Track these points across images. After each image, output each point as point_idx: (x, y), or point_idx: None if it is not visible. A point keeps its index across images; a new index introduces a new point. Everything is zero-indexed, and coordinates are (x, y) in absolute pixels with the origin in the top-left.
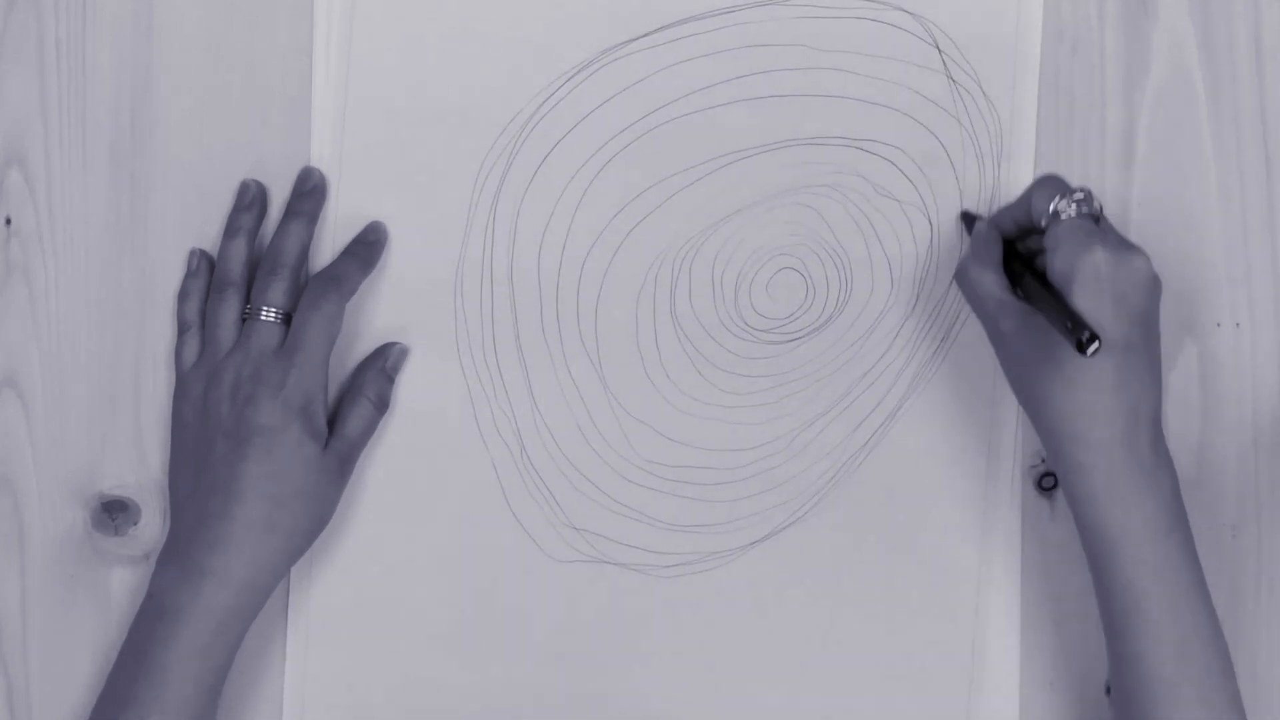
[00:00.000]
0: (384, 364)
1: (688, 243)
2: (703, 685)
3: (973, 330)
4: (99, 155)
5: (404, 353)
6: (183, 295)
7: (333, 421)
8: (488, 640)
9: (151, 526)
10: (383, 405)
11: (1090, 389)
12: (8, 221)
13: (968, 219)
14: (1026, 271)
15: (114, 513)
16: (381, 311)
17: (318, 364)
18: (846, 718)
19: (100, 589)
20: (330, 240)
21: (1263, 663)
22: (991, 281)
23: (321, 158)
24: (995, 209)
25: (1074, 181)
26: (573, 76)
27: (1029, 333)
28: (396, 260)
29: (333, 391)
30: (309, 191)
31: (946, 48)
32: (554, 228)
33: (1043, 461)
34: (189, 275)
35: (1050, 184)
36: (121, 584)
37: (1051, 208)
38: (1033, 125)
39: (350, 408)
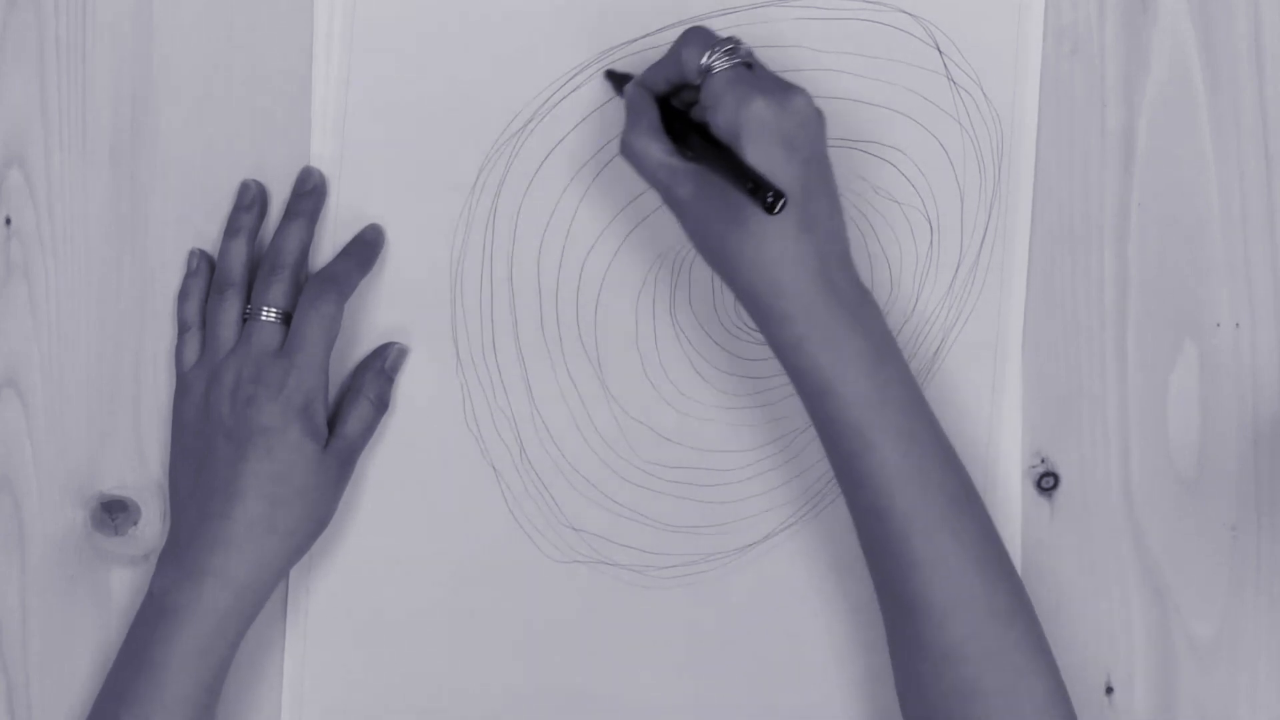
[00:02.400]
0: (383, 364)
1: (688, 244)
2: (701, 686)
3: (972, 331)
4: (99, 155)
5: (403, 352)
6: (183, 295)
7: (333, 422)
8: (486, 640)
9: (151, 526)
10: (382, 405)
11: (777, 238)
12: (8, 221)
13: (615, 78)
14: (691, 132)
15: (114, 513)
16: (381, 311)
17: (318, 364)
18: (846, 718)
19: (100, 589)
20: (330, 240)
21: (1263, 662)
22: (657, 149)
23: (321, 158)
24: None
25: (1073, 181)
26: (573, 77)
27: (707, 193)
28: (396, 260)
29: (333, 391)
30: (309, 191)
31: (947, 49)
32: (554, 228)
33: (1043, 462)
34: (189, 275)
35: (696, 37)
36: (121, 584)
37: (703, 62)
38: (1033, 127)
39: (350, 408)
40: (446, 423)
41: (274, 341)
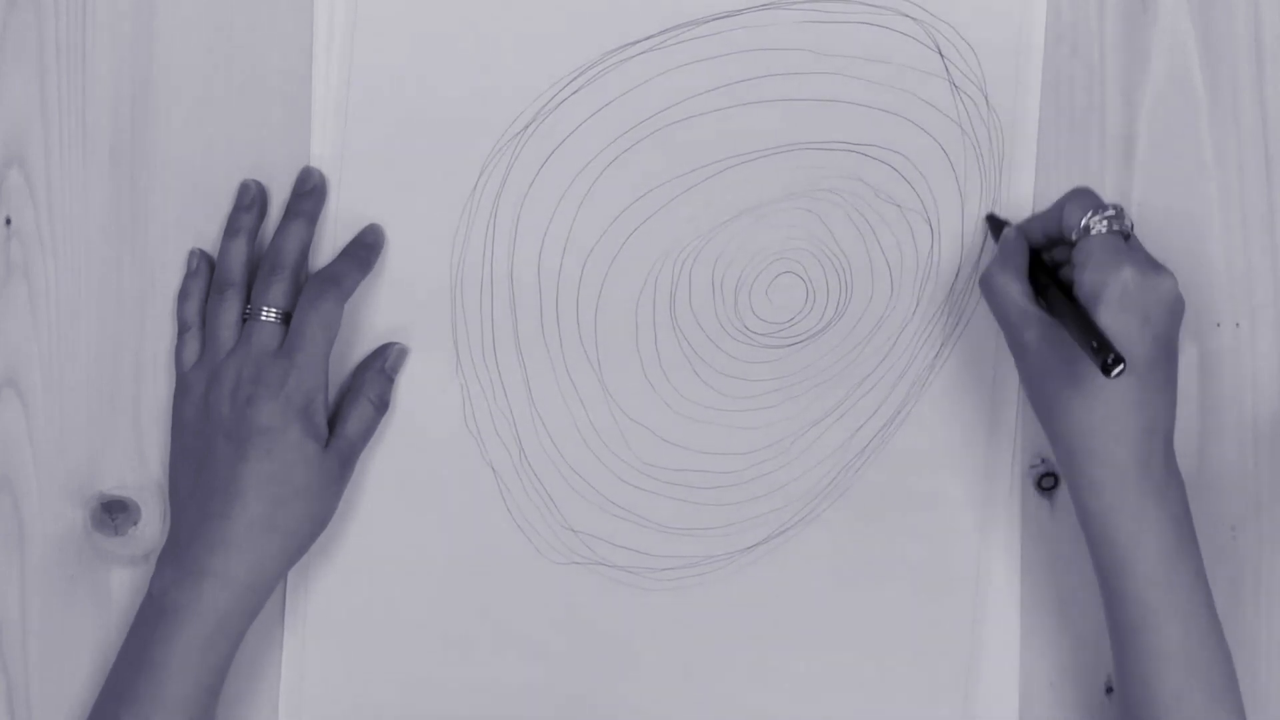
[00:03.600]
0: (383, 364)
1: (688, 246)
2: (699, 688)
3: (972, 334)
4: (99, 155)
5: (403, 353)
6: (183, 295)
7: (332, 422)
8: (484, 641)
9: (151, 526)
10: (383, 405)
11: (1109, 407)
12: (8, 221)
13: (994, 223)
14: (1052, 284)
15: (114, 513)
16: (381, 312)
17: (318, 364)
18: None
19: (100, 589)
20: (330, 240)
21: (1263, 662)
22: (1017, 291)
23: (321, 158)
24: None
25: (1073, 182)
26: (575, 79)
27: (1050, 345)
28: (396, 261)
29: (333, 392)
30: (309, 192)
31: (949, 53)
32: (554, 230)
33: (1043, 462)
34: (189, 275)
35: (1083, 197)
36: (121, 584)
37: (1083, 222)
38: (1034, 130)
39: (350, 408)
40: (446, 423)
41: (274, 341)
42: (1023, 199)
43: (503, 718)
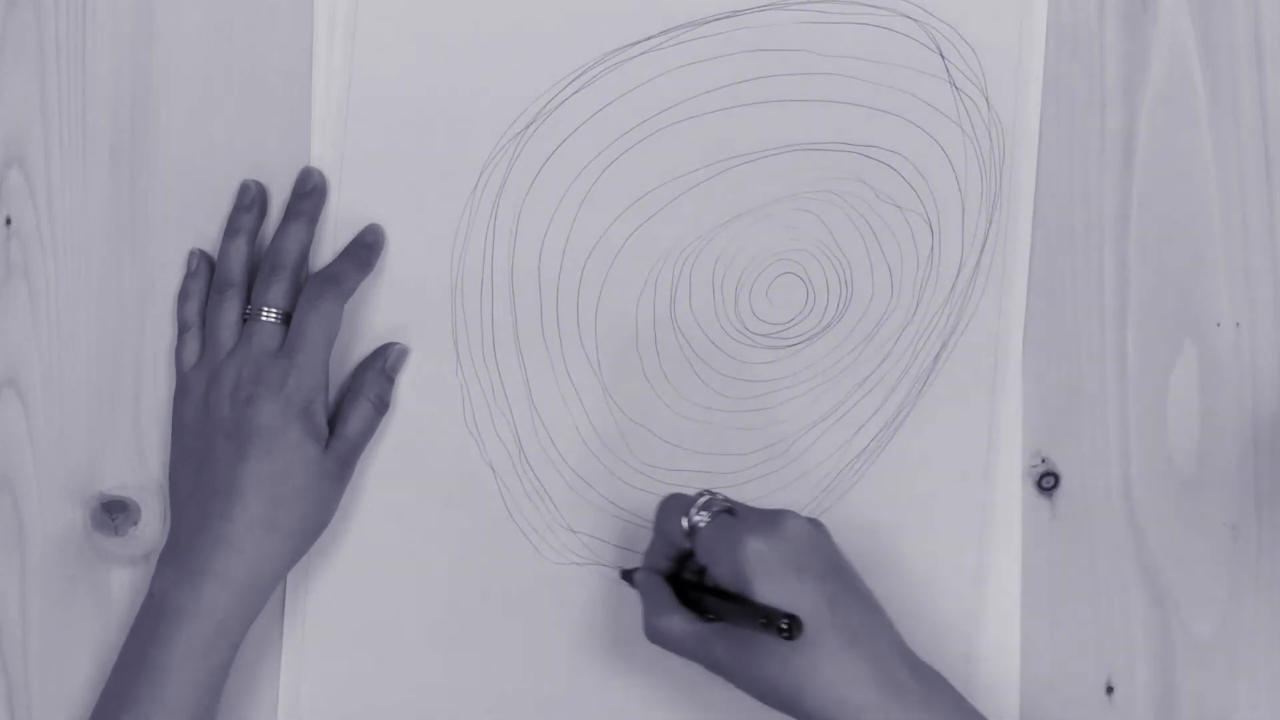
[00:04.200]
0: (384, 364)
1: (688, 246)
2: (697, 688)
3: (972, 334)
4: (99, 155)
5: (404, 353)
6: (183, 295)
7: (333, 422)
8: (483, 641)
9: (151, 526)
10: (383, 405)
11: (825, 662)
12: (8, 221)
13: (626, 576)
14: (703, 594)
15: (114, 513)
16: (381, 312)
17: (318, 364)
18: None
19: (100, 589)
20: (330, 240)
21: (1263, 662)
22: (680, 625)
23: (322, 158)
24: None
25: (1073, 181)
26: (575, 79)
27: (741, 647)
28: (397, 261)
29: (333, 392)
30: (309, 192)
31: (949, 53)
32: (555, 230)
33: (1043, 461)
34: (189, 275)
35: (671, 504)
36: (121, 584)
37: (686, 524)
38: (1035, 131)
39: (350, 408)
40: (446, 423)
41: (274, 342)
42: (1024, 200)
43: (501, 717)
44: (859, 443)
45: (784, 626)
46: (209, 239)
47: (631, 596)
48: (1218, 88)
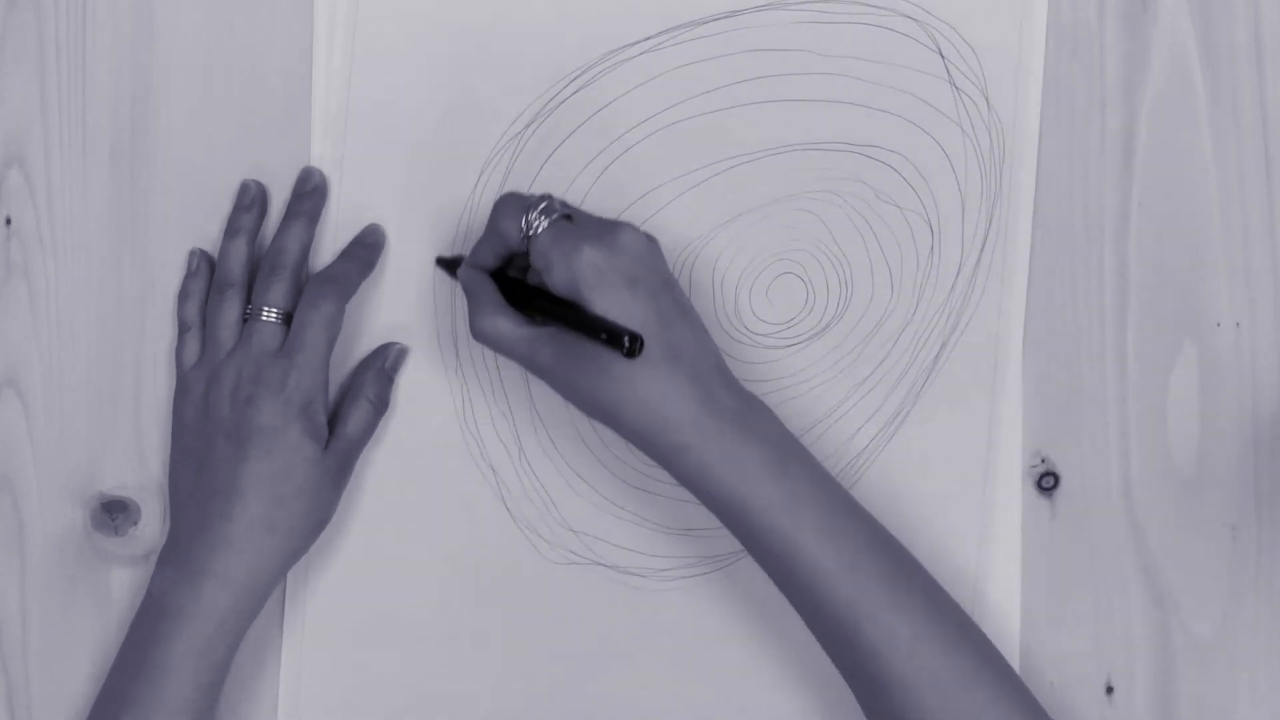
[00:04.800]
0: (383, 364)
1: (688, 246)
2: (697, 689)
3: (972, 334)
4: (99, 155)
5: (403, 353)
6: (183, 295)
7: (332, 422)
8: (482, 641)
9: (151, 526)
10: (382, 405)
11: (649, 377)
12: (8, 221)
13: (446, 264)
14: (534, 296)
15: (114, 513)
16: (381, 312)
17: (318, 364)
18: None
19: (100, 589)
20: (330, 240)
21: (1263, 662)
22: (506, 325)
23: (322, 158)
24: (1003, 209)
25: (1073, 182)
26: (575, 79)
27: (567, 352)
28: (397, 261)
29: (333, 392)
30: (309, 192)
31: (949, 53)
32: None
33: (1043, 461)
34: (189, 275)
35: (510, 203)
36: (121, 584)
37: (522, 228)
38: (1035, 131)
39: (350, 408)
40: (445, 423)
41: (274, 342)
42: (1024, 201)
43: (500, 717)
44: (859, 443)
45: (626, 344)
46: (209, 239)
47: (631, 595)
48: (1218, 88)
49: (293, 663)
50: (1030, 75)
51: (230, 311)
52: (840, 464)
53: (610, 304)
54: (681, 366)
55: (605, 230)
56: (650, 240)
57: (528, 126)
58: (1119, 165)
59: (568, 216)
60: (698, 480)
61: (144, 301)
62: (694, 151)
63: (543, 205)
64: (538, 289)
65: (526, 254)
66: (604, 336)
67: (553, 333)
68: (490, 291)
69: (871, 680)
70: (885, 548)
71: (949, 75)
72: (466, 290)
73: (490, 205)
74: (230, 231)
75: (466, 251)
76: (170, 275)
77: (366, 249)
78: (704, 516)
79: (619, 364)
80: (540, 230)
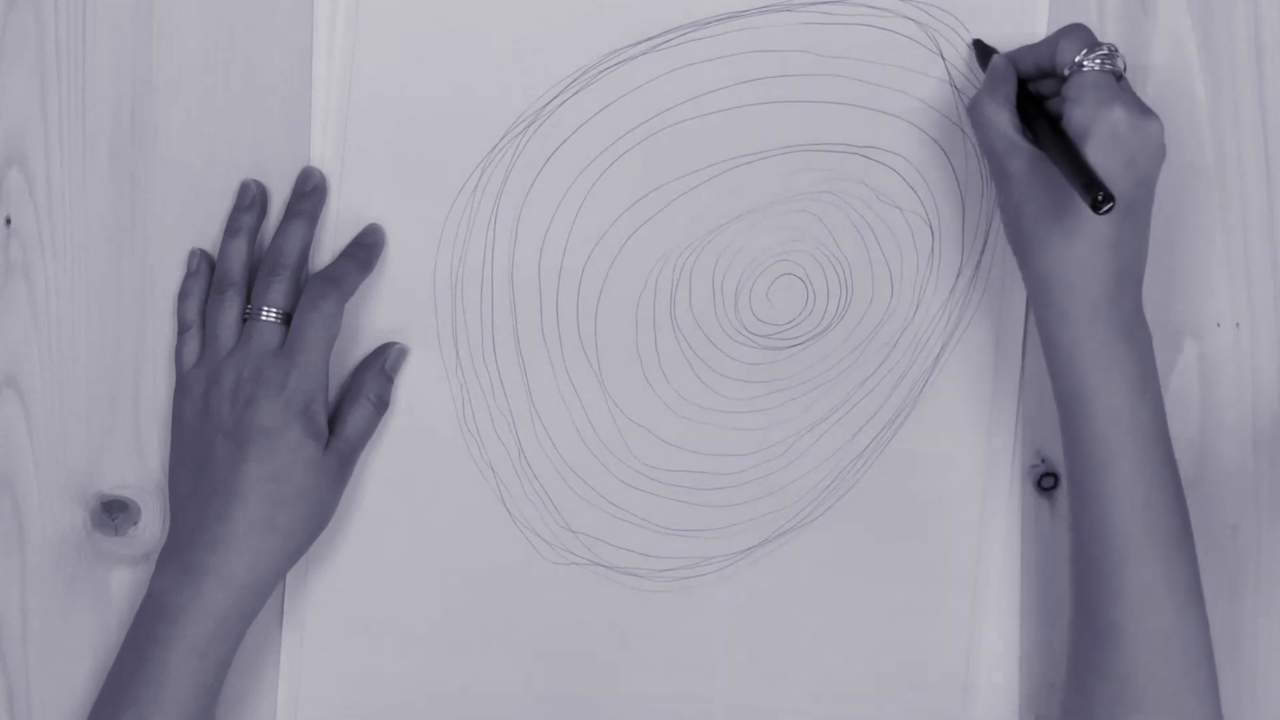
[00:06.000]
0: (383, 364)
1: (689, 247)
2: (695, 690)
3: (972, 336)
4: (99, 155)
5: (403, 353)
6: (183, 295)
7: (332, 422)
8: (481, 642)
9: (151, 526)
10: (383, 405)
11: (1088, 243)
12: (8, 221)
13: (981, 49)
14: (1041, 116)
15: (114, 513)
16: (381, 312)
17: (318, 364)
18: None
19: (100, 589)
20: (330, 240)
21: (1262, 662)
22: (1005, 120)
23: (322, 158)
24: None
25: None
26: (577, 79)
27: (1035, 178)
28: (397, 261)
29: (333, 392)
30: (309, 192)
31: (950, 55)
32: (555, 230)
33: (1043, 461)
34: (189, 275)
35: (1079, 33)
36: (121, 584)
37: (1077, 58)
38: None
39: (350, 408)
40: (445, 423)
41: (274, 341)
42: None
43: (500, 718)
44: (859, 444)
45: (1099, 198)
46: (209, 239)
47: (630, 596)
48: (1218, 88)
49: (292, 663)
50: None
51: (230, 311)
52: (841, 465)
53: (1104, 162)
54: (1117, 256)
55: (1141, 108)
56: (1164, 148)
57: (529, 127)
58: None
59: (1119, 76)
60: (1060, 354)
61: (144, 301)
62: (695, 152)
63: (1104, 51)
64: (1050, 115)
65: (1058, 82)
66: (1085, 181)
67: (1035, 153)
68: (1012, 84)
69: (1104, 626)
70: (1180, 507)
71: (950, 77)
72: (990, 73)
73: (492, 205)
74: (230, 231)
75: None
76: (170, 275)
77: (366, 249)
78: (703, 518)
79: (1072, 214)
80: (1090, 68)
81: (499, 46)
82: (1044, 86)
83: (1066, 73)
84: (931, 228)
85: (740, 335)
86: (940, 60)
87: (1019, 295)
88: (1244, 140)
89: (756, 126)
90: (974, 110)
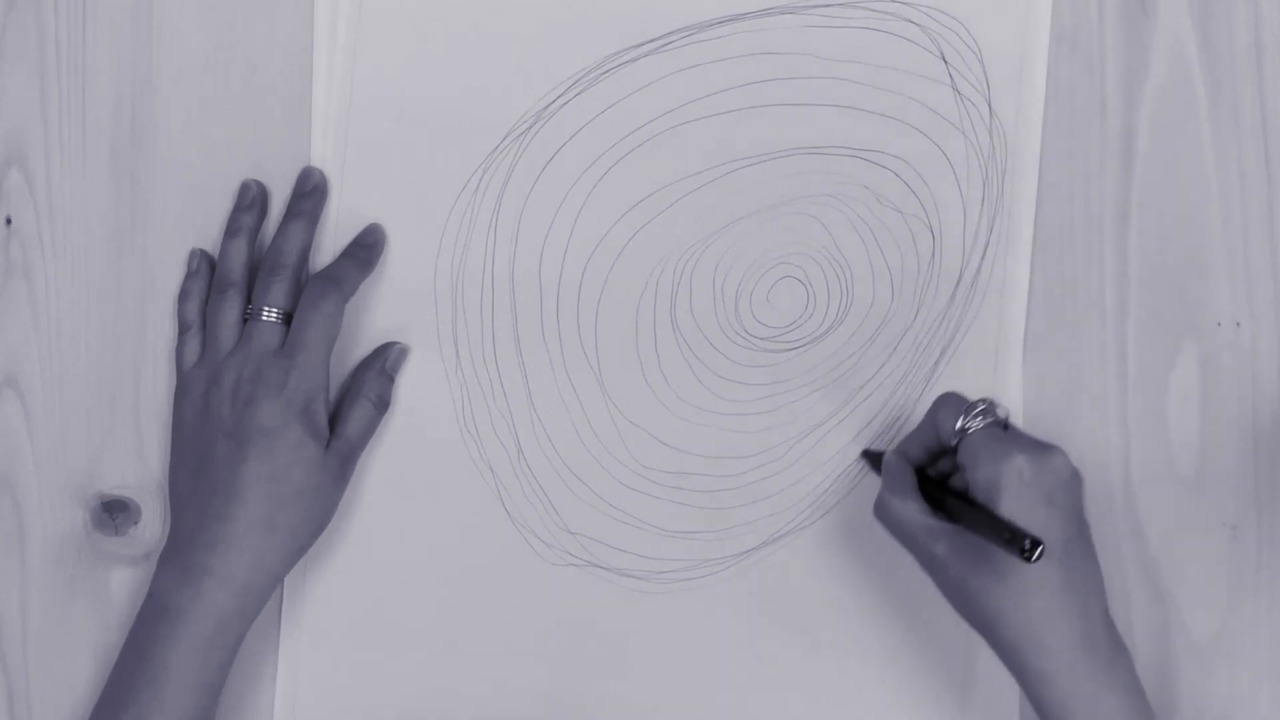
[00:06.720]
0: (384, 364)
1: (689, 249)
2: (693, 691)
3: (972, 340)
4: (99, 155)
5: (403, 352)
6: (183, 295)
7: (333, 422)
8: (480, 643)
9: (151, 526)
10: (383, 405)
11: (1041, 596)
12: (8, 221)
13: (870, 457)
14: (947, 494)
15: (114, 513)
16: (382, 312)
17: (318, 364)
18: None
19: (100, 589)
20: (331, 240)
21: (1263, 662)
22: (914, 510)
23: (322, 158)
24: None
25: (1073, 183)
26: (578, 81)
27: (964, 553)
28: (397, 261)
29: (333, 392)
30: (310, 192)
31: (952, 59)
32: (556, 232)
33: None
34: (190, 275)
35: (950, 402)
36: (121, 584)
37: (958, 425)
38: (1037, 138)
39: (351, 408)
40: (445, 424)
41: (275, 341)
42: (1025, 207)
43: (500, 719)
44: (857, 448)
45: (1027, 547)
46: (209, 239)
47: (629, 598)
48: (1218, 88)
49: (290, 663)
50: (1033, 80)
51: (230, 311)
52: (840, 467)
53: (1023, 513)
54: (1073, 599)
55: (1040, 448)
56: (1078, 475)
57: (530, 128)
58: (1119, 165)
59: (1004, 426)
60: (1050, 711)
61: (144, 301)
62: (696, 154)
63: (982, 407)
64: (953, 490)
65: (948, 457)
66: (1007, 536)
67: (954, 530)
68: (909, 477)
69: None
70: None
71: (952, 80)
72: (886, 472)
73: (493, 206)
74: (230, 231)
75: None
76: (170, 275)
77: (366, 249)
78: (702, 520)
79: (1015, 574)
80: (976, 429)
81: (500, 47)
82: (943, 465)
83: (955, 442)
84: (932, 231)
85: (741, 337)
86: (942, 63)
87: (1020, 301)
88: (1244, 140)
89: (758, 129)
90: (881, 513)
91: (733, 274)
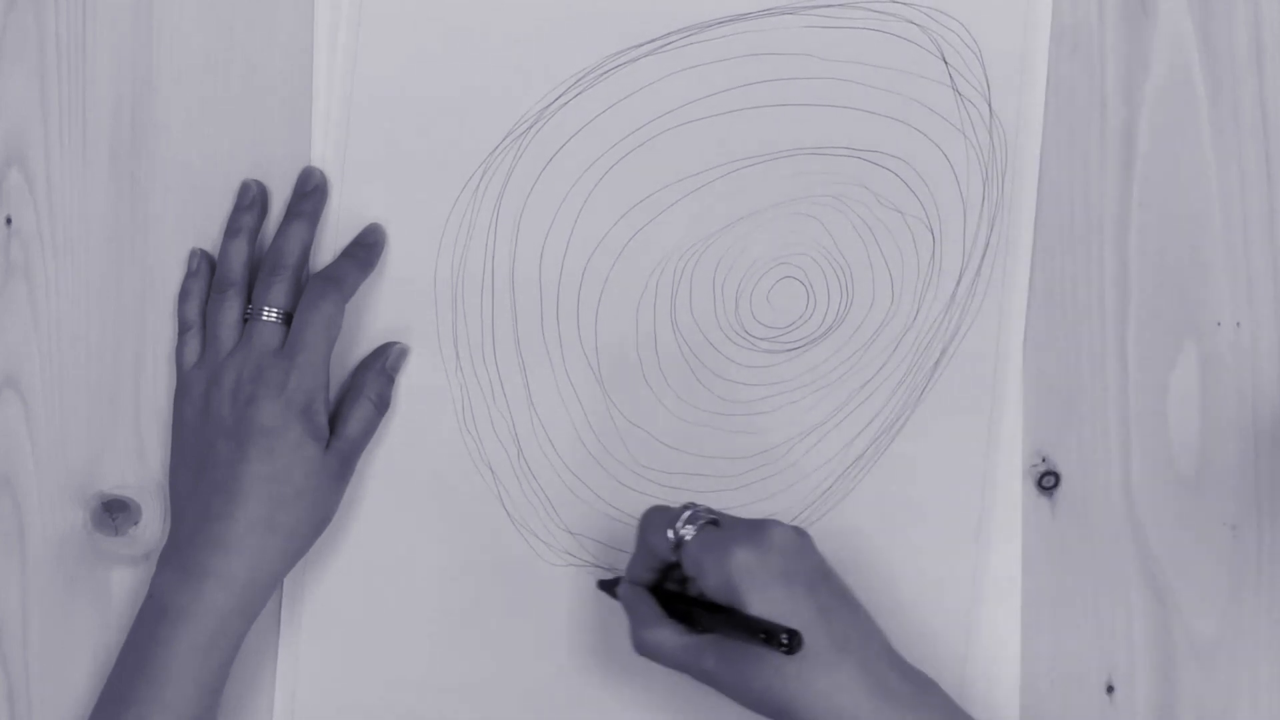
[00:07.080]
0: (384, 364)
1: (689, 250)
2: (693, 691)
3: (973, 340)
4: (99, 155)
5: (404, 352)
6: (183, 295)
7: (333, 422)
8: (480, 643)
9: (151, 526)
10: (383, 405)
11: (820, 669)
12: (8, 221)
13: (606, 587)
14: (693, 606)
15: (114, 513)
16: (382, 313)
17: (319, 364)
18: None
19: (100, 589)
20: (331, 241)
21: (1263, 662)
22: (667, 635)
23: (323, 158)
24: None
25: (1073, 182)
26: (578, 81)
27: (733, 659)
28: (397, 261)
29: (333, 392)
30: (310, 192)
31: (953, 60)
32: (556, 232)
33: (1043, 461)
34: (190, 275)
35: (655, 517)
36: (121, 584)
37: (671, 536)
38: (1038, 139)
39: (351, 408)
40: (445, 424)
41: (275, 341)
42: (1025, 207)
43: (500, 719)
44: (859, 446)
45: (784, 641)
46: (209, 239)
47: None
48: (1218, 88)
49: (290, 663)
50: (1034, 81)
51: (231, 311)
52: (841, 467)
53: (767, 602)
54: (849, 656)
55: (753, 530)
56: (799, 533)
57: (530, 128)
58: (1119, 165)
59: (714, 521)
60: None
61: (144, 301)
62: (696, 155)
63: (687, 514)
64: (693, 598)
65: (679, 564)
66: (762, 636)
67: (715, 639)
68: (649, 605)
69: None
70: None
71: (952, 81)
72: (626, 607)
73: (493, 206)
74: (230, 231)
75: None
76: (170, 275)
77: (366, 249)
78: None
79: (788, 661)
80: (689, 538)
81: (501, 47)
82: (678, 573)
83: (676, 556)
84: (932, 231)
85: (741, 338)
86: (942, 63)
87: (1020, 301)
88: (1244, 140)
89: (758, 129)
90: (638, 645)
91: (733, 274)
